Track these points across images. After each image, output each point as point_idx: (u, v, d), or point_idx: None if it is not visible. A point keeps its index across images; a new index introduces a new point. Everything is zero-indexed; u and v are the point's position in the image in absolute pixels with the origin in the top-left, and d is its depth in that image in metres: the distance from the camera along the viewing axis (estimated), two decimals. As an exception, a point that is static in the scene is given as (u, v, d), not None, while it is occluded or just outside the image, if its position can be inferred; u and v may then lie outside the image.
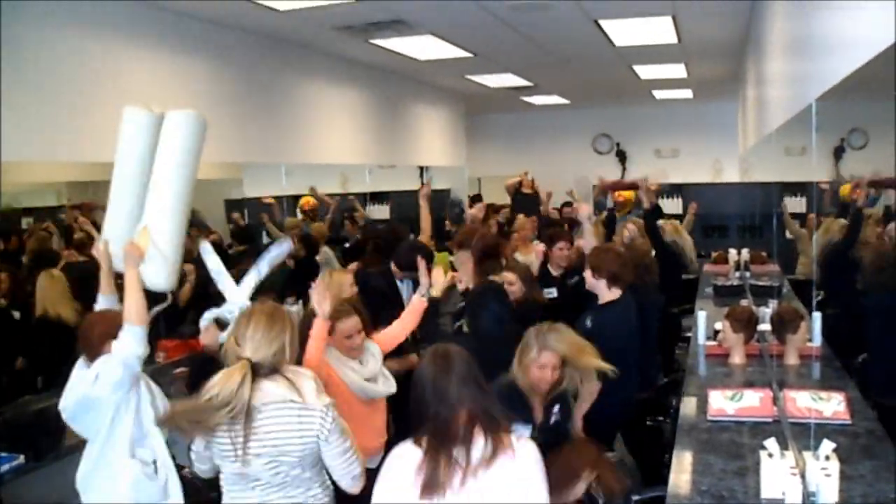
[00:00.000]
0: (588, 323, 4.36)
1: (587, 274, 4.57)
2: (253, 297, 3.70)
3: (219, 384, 2.61)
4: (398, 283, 5.43)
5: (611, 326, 4.31)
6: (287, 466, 2.72)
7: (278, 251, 3.93)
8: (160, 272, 3.45)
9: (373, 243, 6.54)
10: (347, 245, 8.09)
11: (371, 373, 3.68)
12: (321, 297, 3.37)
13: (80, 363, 3.27)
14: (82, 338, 3.28)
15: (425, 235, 6.06)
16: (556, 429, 3.53)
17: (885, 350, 4.27)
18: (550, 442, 3.06)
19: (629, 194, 8.77)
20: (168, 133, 3.60)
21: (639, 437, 4.74)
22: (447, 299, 5.30)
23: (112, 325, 3.18)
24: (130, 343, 3.13)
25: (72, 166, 5.32)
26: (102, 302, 3.51)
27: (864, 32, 1.98)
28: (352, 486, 2.84)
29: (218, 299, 3.77)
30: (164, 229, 3.49)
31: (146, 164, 3.57)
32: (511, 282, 4.79)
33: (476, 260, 5.21)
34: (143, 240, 3.41)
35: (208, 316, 3.68)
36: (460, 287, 5.33)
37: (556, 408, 3.55)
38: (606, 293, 4.50)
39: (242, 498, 2.79)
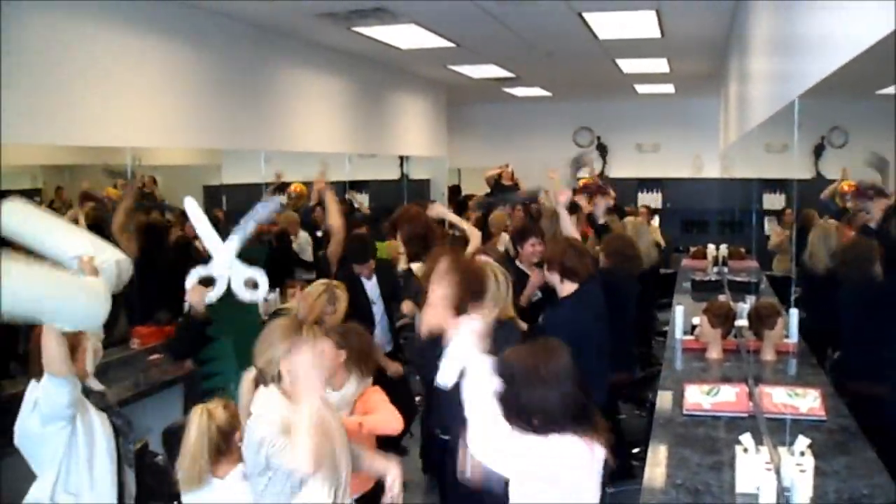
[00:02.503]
0: (541, 320, 4.27)
1: (545, 268, 4.35)
2: (239, 256, 3.59)
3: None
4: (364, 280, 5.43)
5: (561, 325, 4.00)
6: None
7: (265, 210, 3.72)
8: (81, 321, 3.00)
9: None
10: (319, 234, 8.01)
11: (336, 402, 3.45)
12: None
13: (33, 384, 3.05)
14: (30, 357, 3.06)
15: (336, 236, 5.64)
16: None
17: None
18: None
19: None
20: None
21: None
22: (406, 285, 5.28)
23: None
24: (51, 394, 2.91)
25: (48, 149, 5.25)
26: None
27: (847, 31, 1.98)
28: None
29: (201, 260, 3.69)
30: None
31: None
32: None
33: (404, 242, 5.03)
34: None
35: (194, 274, 3.61)
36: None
37: None
38: (560, 287, 4.26)
39: None
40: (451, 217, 5.78)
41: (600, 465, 2.44)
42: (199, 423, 2.90)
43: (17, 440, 3.05)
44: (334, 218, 5.58)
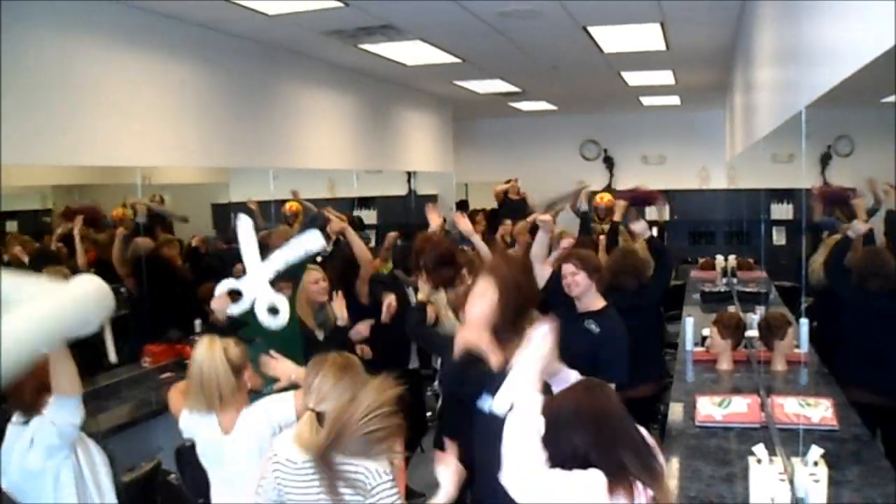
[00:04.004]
0: (594, 327, 4.07)
1: (580, 278, 4.18)
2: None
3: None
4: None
5: (621, 332, 3.99)
6: None
7: (311, 243, 3.82)
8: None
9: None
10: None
11: None
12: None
13: (15, 420, 3.03)
14: (11, 392, 2.96)
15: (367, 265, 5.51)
16: None
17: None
18: None
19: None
20: None
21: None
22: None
23: (43, 378, 2.88)
24: (64, 416, 2.90)
25: (57, 170, 5.29)
26: None
27: (854, 41, 1.99)
28: None
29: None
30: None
31: None
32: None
33: (430, 270, 4.81)
34: None
35: (224, 284, 3.68)
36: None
37: None
38: (599, 297, 4.20)
39: None
40: (465, 225, 5.49)
41: None
42: (210, 347, 2.96)
43: (12, 486, 2.96)
44: (363, 253, 5.50)
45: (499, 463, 2.35)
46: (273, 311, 3.64)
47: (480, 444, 2.80)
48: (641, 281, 5.13)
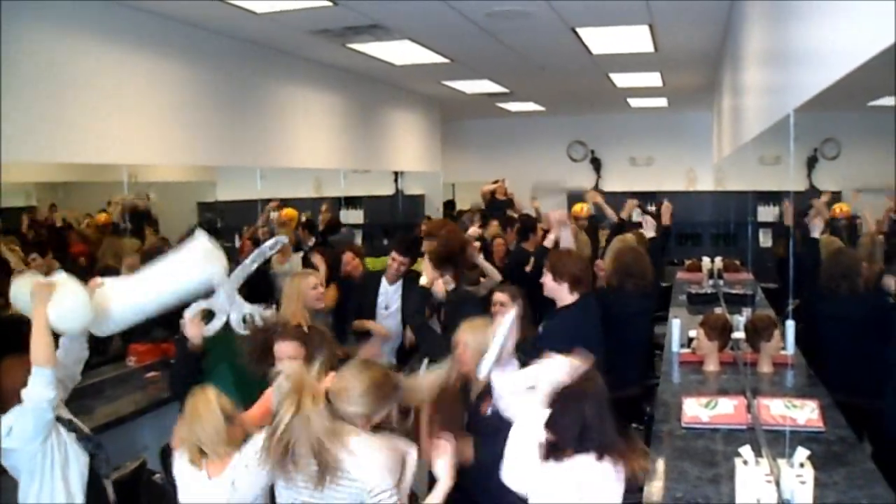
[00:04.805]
0: (540, 328, 4.28)
1: (547, 278, 4.33)
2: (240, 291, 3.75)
3: None
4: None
5: (560, 333, 4.08)
6: None
7: (271, 250, 3.95)
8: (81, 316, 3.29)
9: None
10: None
11: None
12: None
13: None
14: None
15: None
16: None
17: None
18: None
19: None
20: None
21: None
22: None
23: (22, 374, 3.02)
24: (38, 387, 2.98)
25: (42, 167, 5.25)
26: None
27: (843, 44, 2.00)
28: None
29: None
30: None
31: None
32: (503, 302, 4.42)
33: (435, 259, 4.79)
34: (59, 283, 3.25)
35: (195, 307, 3.65)
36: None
37: None
38: (562, 297, 4.30)
39: None
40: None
41: (620, 485, 2.70)
42: (205, 398, 2.94)
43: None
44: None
45: (493, 462, 2.89)
46: (246, 321, 3.66)
47: (476, 444, 3.22)
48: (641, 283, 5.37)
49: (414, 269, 5.58)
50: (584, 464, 2.65)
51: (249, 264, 3.78)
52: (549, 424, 2.71)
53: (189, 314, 3.65)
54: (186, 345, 3.72)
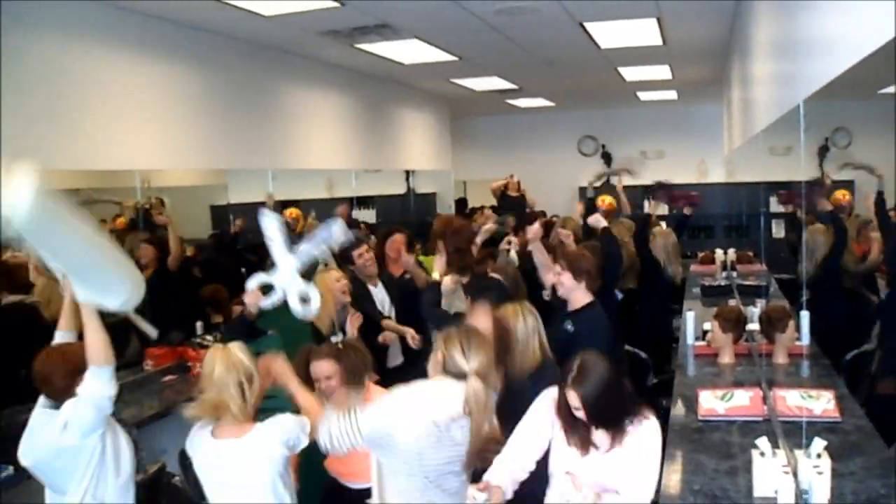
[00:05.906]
0: (569, 327, 4.24)
1: (566, 276, 4.32)
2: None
3: None
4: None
5: (592, 331, 4.12)
6: None
7: (336, 236, 3.82)
8: (117, 294, 3.09)
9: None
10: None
11: None
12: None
13: (41, 405, 3.08)
14: (41, 378, 3.06)
15: None
16: None
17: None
18: None
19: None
20: None
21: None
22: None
23: (75, 363, 2.98)
24: (99, 387, 2.94)
25: (55, 174, 5.26)
26: (59, 338, 3.31)
27: (853, 33, 2.00)
28: None
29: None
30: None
31: None
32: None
33: (448, 252, 4.81)
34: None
35: (256, 279, 3.70)
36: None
37: None
38: (584, 296, 4.32)
39: None
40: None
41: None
42: (223, 356, 2.95)
43: (35, 464, 3.04)
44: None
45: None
46: (304, 300, 3.66)
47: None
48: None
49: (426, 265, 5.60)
50: (643, 429, 2.98)
51: (313, 248, 3.78)
52: (594, 415, 2.94)
53: (250, 284, 3.70)
54: (243, 312, 3.77)
